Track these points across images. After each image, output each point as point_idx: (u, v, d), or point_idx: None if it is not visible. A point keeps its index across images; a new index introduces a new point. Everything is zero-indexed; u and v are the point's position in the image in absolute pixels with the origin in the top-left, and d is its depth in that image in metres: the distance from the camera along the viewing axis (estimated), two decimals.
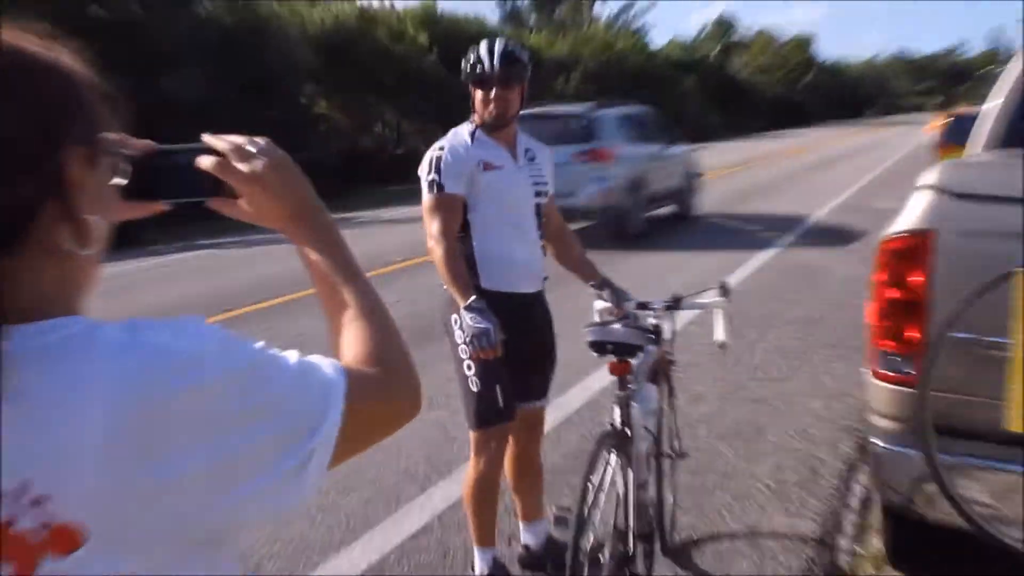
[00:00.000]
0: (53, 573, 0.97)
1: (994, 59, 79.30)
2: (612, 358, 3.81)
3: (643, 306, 4.24)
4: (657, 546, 4.25)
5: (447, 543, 4.74)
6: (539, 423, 4.40)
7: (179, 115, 24.59)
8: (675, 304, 4.23)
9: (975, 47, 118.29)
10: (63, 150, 1.06)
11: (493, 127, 4.09)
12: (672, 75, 59.39)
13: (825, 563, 4.51)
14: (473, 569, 4.31)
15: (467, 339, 3.87)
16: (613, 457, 3.68)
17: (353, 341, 1.34)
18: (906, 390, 3.44)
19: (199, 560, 1.08)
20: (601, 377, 6.61)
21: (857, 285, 10.45)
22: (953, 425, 3.34)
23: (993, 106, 4.57)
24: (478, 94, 4.08)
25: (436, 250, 3.95)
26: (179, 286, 13.73)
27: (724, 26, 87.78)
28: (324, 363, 1.23)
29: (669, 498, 4.61)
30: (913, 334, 3.46)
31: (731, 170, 29.52)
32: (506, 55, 4.05)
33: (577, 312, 4.73)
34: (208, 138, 1.36)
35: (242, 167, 1.33)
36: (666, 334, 4.30)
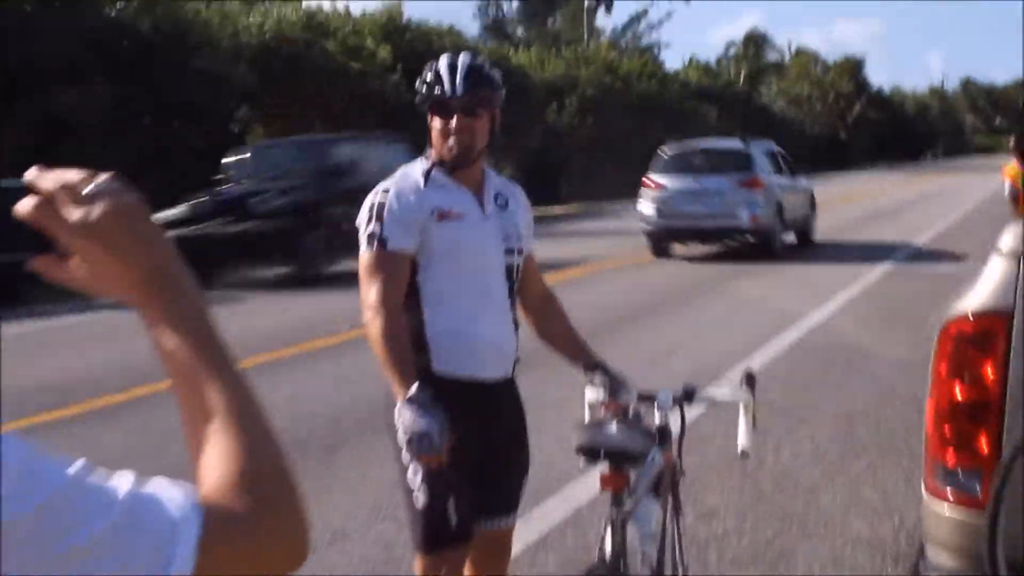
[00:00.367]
0: None
1: None
2: (606, 467, 3.64)
3: (646, 398, 4.07)
4: None
5: None
6: (505, 546, 4.19)
7: (79, 139, 24.45)
8: (687, 397, 4.04)
9: None
10: None
11: (454, 166, 3.94)
12: (690, 104, 59.44)
13: None
14: None
15: (405, 441, 3.66)
16: None
17: (216, 461, 1.16)
18: (974, 515, 3.29)
19: None
20: (589, 485, 6.36)
21: (910, 372, 10.32)
22: None
23: None
24: (436, 123, 3.92)
25: (372, 323, 3.76)
26: (71, 355, 13.49)
27: (755, 44, 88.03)
28: (169, 494, 1.07)
29: None
30: (983, 444, 3.31)
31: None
32: (472, 74, 3.90)
33: (561, 399, 4.56)
34: (32, 174, 1.18)
35: (71, 214, 1.16)
36: (675, 434, 4.15)
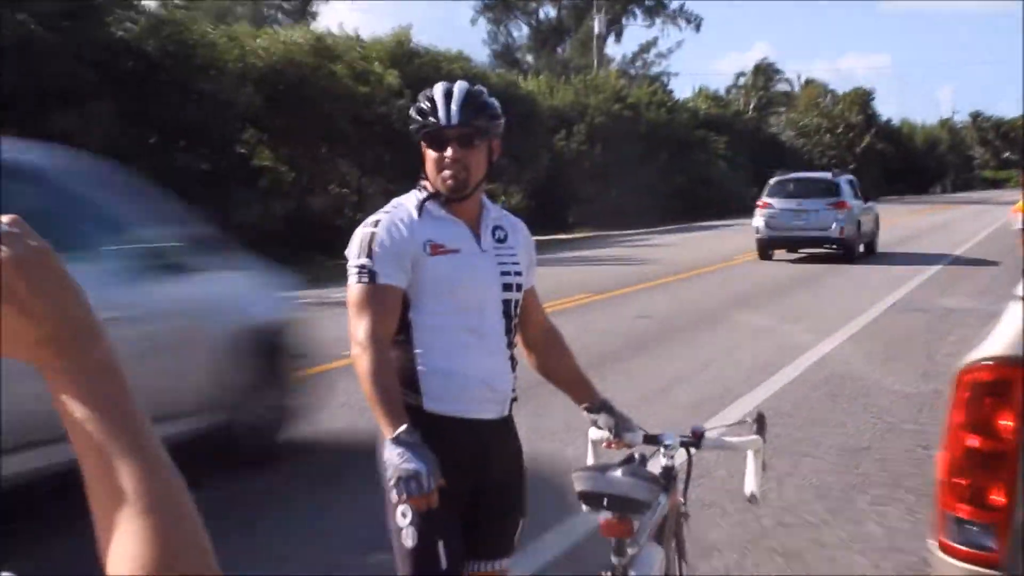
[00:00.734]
0: None
1: None
2: (608, 515, 3.50)
3: (651, 440, 3.94)
4: None
5: None
6: None
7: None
8: (695, 442, 3.92)
9: None
10: None
11: (449, 198, 3.79)
12: (700, 134, 59.47)
13: None
14: None
15: (392, 481, 3.50)
16: None
17: (128, 550, 1.01)
18: (988, 572, 3.14)
19: None
20: (589, 520, 6.21)
21: (915, 405, 10.23)
22: None
23: None
24: (430, 153, 3.77)
25: (360, 360, 3.59)
26: None
27: (764, 75, 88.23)
28: None
29: None
30: (999, 497, 3.17)
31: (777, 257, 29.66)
32: (469, 102, 3.75)
33: (562, 427, 4.39)
34: None
35: None
36: (680, 478, 4.01)
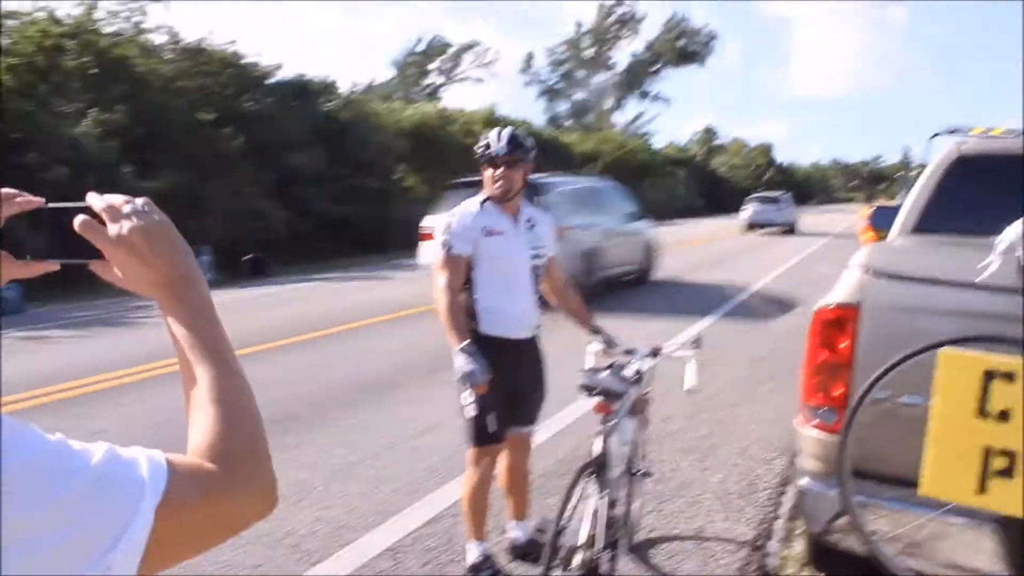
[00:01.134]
0: None
1: (905, 168, 78.98)
2: (598, 399, 3.37)
3: (629, 352, 3.79)
4: (622, 549, 3.78)
5: (452, 531, 4.28)
6: (527, 444, 3.89)
7: (302, 183, 24.55)
8: (655, 352, 3.78)
9: (890, 159, 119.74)
10: None
11: (499, 200, 3.66)
12: (669, 168, 59.02)
13: (756, 564, 4.02)
14: (467, 558, 3.85)
15: (457, 377, 3.43)
16: (591, 480, 3.25)
17: (198, 429, 0.92)
18: (829, 437, 2.97)
19: None
20: (584, 406, 6.01)
21: (801, 330, 9.93)
22: (867, 470, 2.87)
23: (909, 200, 4.16)
24: (487, 172, 3.65)
25: (440, 301, 3.52)
26: (286, 310, 13.39)
27: (709, 134, 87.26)
28: (141, 458, 0.82)
29: (635, 505, 4.14)
30: (839, 390, 2.99)
31: (710, 239, 29.02)
32: (512, 140, 3.62)
33: (577, 348, 4.22)
34: (91, 197, 0.97)
35: (109, 228, 0.94)
36: (646, 377, 3.86)
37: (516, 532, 4.01)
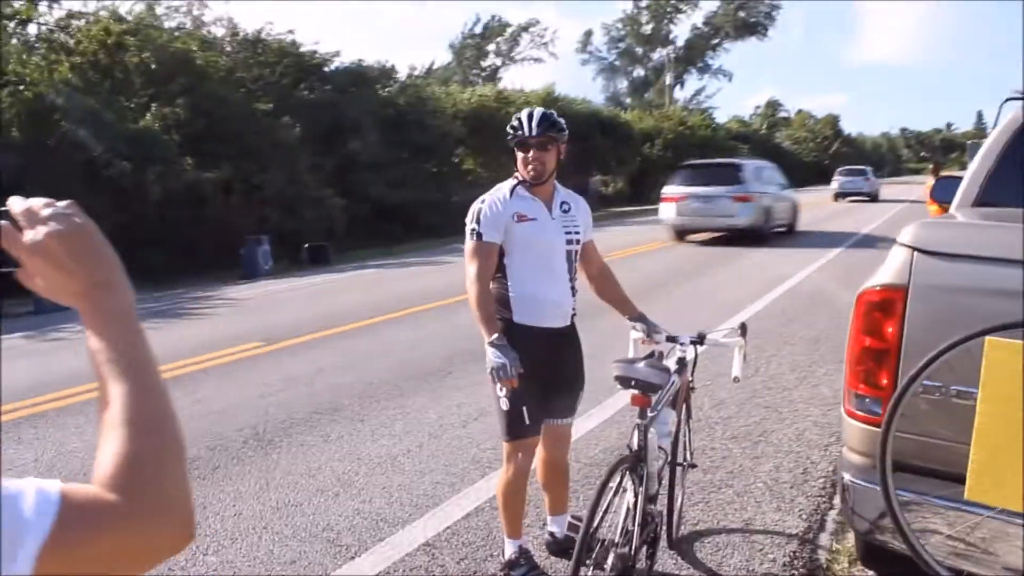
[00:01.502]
0: None
1: (981, 134, 76.14)
2: (635, 392, 3.22)
3: (672, 339, 3.64)
4: (659, 547, 3.63)
5: (492, 524, 4.17)
6: (565, 436, 3.73)
7: (360, 169, 24.63)
8: (699, 340, 3.63)
9: (963, 127, 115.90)
10: None
11: (531, 183, 3.50)
12: (731, 144, 57.92)
13: (805, 559, 3.83)
14: (504, 555, 3.74)
15: (488, 370, 3.30)
16: (628, 475, 3.12)
17: (106, 454, 0.81)
18: (875, 429, 2.77)
19: None
20: (624, 398, 5.85)
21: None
22: (921, 465, 2.67)
23: (970, 171, 3.88)
24: (519, 155, 3.49)
25: (471, 290, 3.38)
26: (343, 298, 13.43)
27: (772, 107, 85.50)
28: (29, 493, 0.73)
29: (679, 499, 3.98)
30: (885, 380, 2.79)
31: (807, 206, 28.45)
32: (543, 120, 3.45)
33: (608, 341, 4.08)
34: (12, 201, 0.89)
35: (25, 234, 0.86)
36: (689, 365, 3.72)
37: (554, 527, 3.88)
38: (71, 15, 20.84)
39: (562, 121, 3.55)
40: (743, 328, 3.72)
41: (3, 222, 0.86)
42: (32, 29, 21.04)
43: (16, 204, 0.88)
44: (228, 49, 24.92)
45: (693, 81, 77.38)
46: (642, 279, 12.45)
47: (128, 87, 20.82)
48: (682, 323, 5.51)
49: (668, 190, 19.16)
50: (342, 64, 27.33)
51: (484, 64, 66.41)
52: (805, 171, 67.81)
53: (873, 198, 37.68)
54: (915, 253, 2.80)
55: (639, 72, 72.01)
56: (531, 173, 3.46)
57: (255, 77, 24.27)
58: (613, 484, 3.08)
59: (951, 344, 2.34)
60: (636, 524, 3.11)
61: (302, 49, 25.91)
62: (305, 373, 7.62)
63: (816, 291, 11.53)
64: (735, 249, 17.20)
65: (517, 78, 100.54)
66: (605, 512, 3.03)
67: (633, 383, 3.23)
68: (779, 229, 19.91)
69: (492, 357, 3.25)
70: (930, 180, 25.03)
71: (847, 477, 2.94)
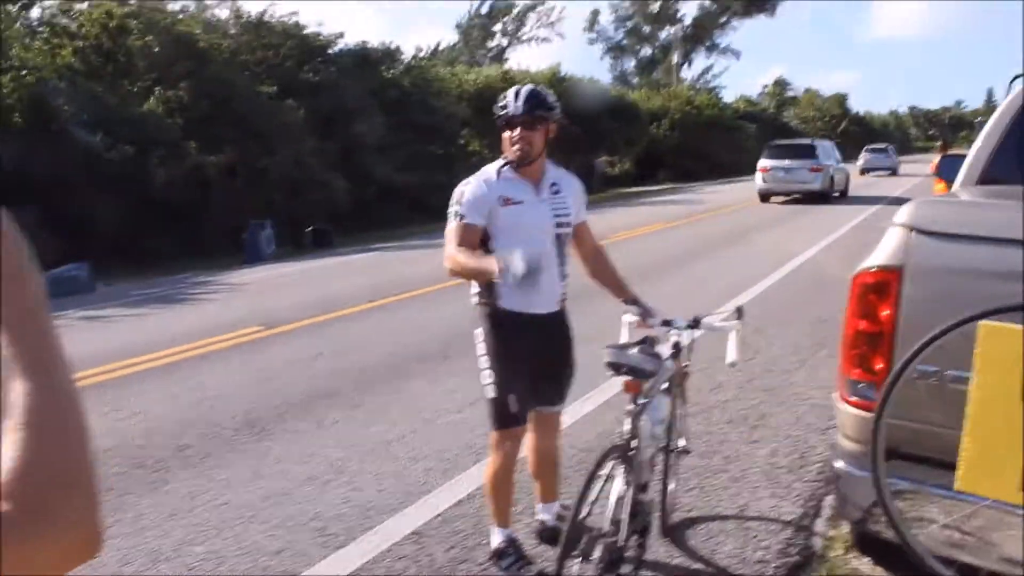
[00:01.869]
0: None
1: (990, 112, 75.55)
2: (626, 378, 3.12)
3: (667, 323, 3.53)
4: (653, 532, 3.54)
5: (482, 512, 4.05)
6: (554, 424, 3.65)
7: (365, 151, 24.49)
8: (695, 324, 3.53)
9: (973, 104, 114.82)
10: None
11: (518, 164, 3.38)
12: (739, 124, 57.42)
13: (800, 546, 3.73)
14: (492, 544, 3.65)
15: (514, 275, 2.89)
16: (619, 463, 3.03)
17: (5, 459, 0.72)
18: (869, 415, 2.67)
19: None
20: (617, 384, 5.75)
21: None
22: (918, 452, 2.57)
23: (974, 148, 3.78)
24: (505, 134, 3.38)
25: (450, 259, 3.23)
26: (345, 281, 13.34)
27: (780, 86, 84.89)
28: None
29: (672, 485, 3.89)
30: (879, 364, 2.68)
31: None
32: (531, 98, 3.33)
33: (601, 325, 3.99)
34: None
35: None
36: (685, 349, 3.61)
37: (543, 515, 3.80)
38: None
39: (551, 99, 3.44)
40: (740, 311, 3.63)
41: None
42: (35, 13, 20.97)
43: None
44: (231, 32, 24.77)
45: (701, 60, 76.88)
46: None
47: (131, 71, 20.70)
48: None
49: (760, 163, 25.10)
50: (346, 46, 27.18)
51: (491, 44, 66.00)
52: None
53: (893, 172, 41.95)
54: (912, 233, 2.69)
55: (646, 51, 71.51)
56: (517, 153, 3.35)
57: (259, 59, 24.11)
58: (603, 473, 3.00)
59: (945, 328, 2.24)
60: (626, 513, 3.03)
61: (306, 31, 25.74)
62: (303, 358, 7.54)
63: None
64: (807, 207, 22.78)
65: (524, 58, 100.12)
66: (594, 501, 2.95)
67: (624, 369, 3.14)
68: (835, 194, 25.59)
69: (517, 262, 2.87)
70: (937, 157, 25.12)
71: (840, 464, 2.85)
